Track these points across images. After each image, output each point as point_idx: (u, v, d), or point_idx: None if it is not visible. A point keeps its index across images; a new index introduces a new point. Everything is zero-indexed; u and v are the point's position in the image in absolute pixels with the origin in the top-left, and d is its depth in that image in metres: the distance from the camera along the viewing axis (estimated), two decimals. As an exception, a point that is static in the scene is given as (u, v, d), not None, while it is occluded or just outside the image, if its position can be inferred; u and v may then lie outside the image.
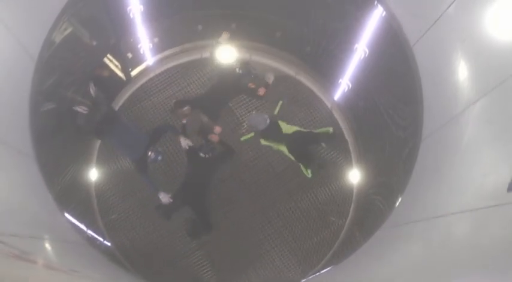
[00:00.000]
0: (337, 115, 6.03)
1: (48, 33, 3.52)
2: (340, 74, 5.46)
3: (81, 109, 4.87)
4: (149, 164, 5.15)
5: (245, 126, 5.86)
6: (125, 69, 5.80)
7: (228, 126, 5.90)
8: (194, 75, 6.05)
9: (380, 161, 5.21)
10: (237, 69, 5.59)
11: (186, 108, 5.42)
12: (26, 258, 2.36)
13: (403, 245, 3.15)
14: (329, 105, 6.05)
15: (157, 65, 6.02)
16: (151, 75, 6.02)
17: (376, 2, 3.96)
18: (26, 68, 3.36)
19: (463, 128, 2.76)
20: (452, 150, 2.86)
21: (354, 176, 5.84)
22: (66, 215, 4.12)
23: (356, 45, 4.72)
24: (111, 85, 5.77)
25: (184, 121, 5.49)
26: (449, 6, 2.80)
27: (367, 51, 4.66)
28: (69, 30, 4.21)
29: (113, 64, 5.59)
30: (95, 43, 5.01)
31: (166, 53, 6.03)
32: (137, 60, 5.85)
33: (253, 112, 5.90)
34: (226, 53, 5.71)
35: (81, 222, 4.67)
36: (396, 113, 4.45)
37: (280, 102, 5.94)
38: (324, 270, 5.26)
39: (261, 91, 5.51)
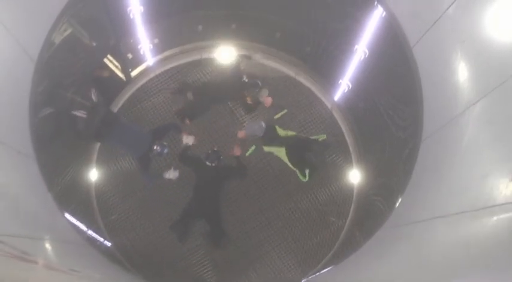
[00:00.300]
0: (337, 116, 6.04)
1: (47, 34, 3.51)
2: (340, 75, 5.46)
3: (80, 113, 4.86)
4: (155, 157, 5.20)
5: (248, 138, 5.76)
6: (125, 70, 5.80)
7: (228, 127, 5.91)
8: (194, 75, 6.06)
9: (380, 162, 5.21)
10: (244, 77, 5.71)
11: (189, 94, 5.65)
12: (26, 259, 2.36)
13: (403, 245, 3.14)
14: (329, 106, 6.05)
15: (158, 66, 6.03)
16: (152, 75, 6.03)
17: (376, 2, 3.95)
18: (25, 69, 3.35)
19: (463, 129, 2.76)
20: (452, 151, 2.85)
21: (354, 176, 5.85)
22: (66, 215, 4.11)
23: (356, 46, 4.72)
24: (111, 86, 5.78)
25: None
26: (449, 6, 2.80)
27: (367, 52, 4.66)
28: (69, 31, 4.21)
29: (112, 65, 5.59)
30: (94, 44, 5.00)
31: (166, 53, 6.04)
32: (137, 60, 5.85)
33: (246, 123, 5.91)
34: (229, 53, 5.81)
35: (81, 222, 4.67)
36: (396, 113, 4.44)
37: (285, 111, 5.94)
38: (324, 271, 5.26)
39: (267, 102, 5.73)
